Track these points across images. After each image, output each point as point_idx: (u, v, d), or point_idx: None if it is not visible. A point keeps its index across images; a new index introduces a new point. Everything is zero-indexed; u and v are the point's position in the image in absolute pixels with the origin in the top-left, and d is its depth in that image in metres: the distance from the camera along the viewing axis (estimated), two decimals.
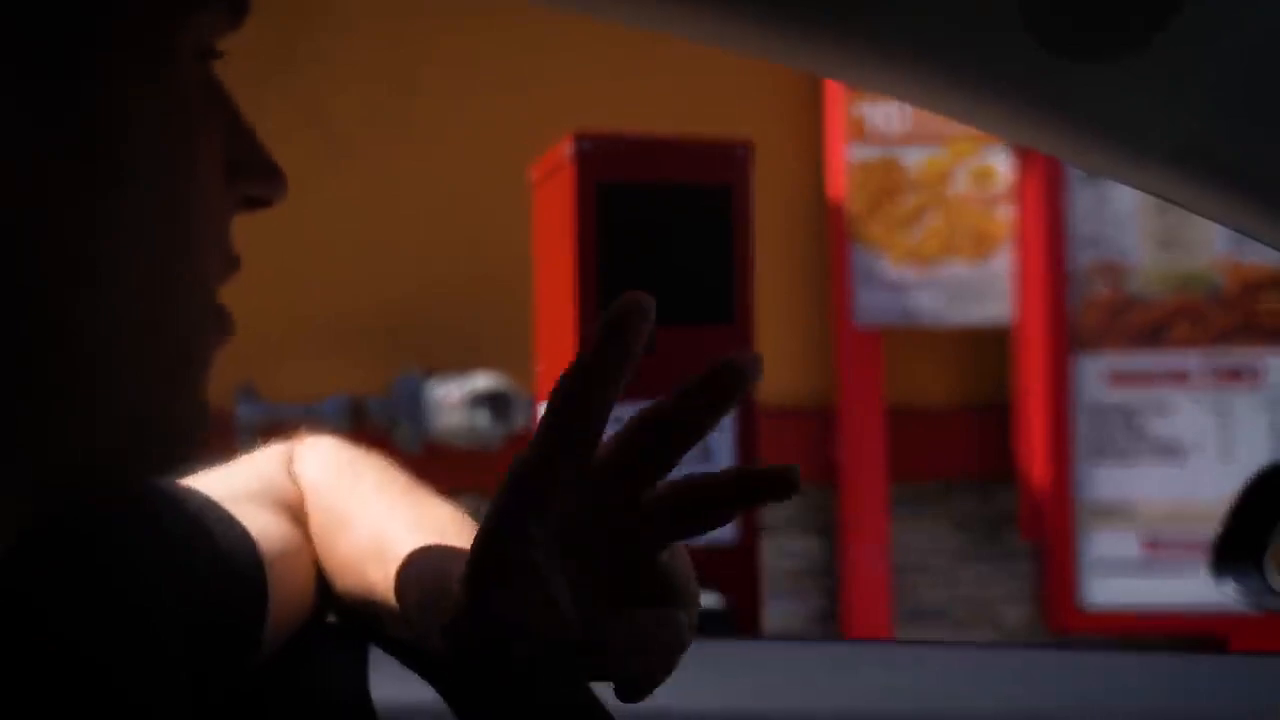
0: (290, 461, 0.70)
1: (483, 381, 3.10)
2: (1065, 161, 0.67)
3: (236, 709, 0.58)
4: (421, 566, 0.56)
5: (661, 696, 0.60)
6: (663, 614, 0.46)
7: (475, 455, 3.11)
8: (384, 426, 3.23)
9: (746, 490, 0.48)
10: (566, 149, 2.01)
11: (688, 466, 1.73)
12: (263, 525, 0.61)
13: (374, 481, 0.67)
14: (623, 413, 1.85)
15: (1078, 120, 0.56)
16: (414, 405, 3.18)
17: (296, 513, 0.66)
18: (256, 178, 0.43)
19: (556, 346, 2.13)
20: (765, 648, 0.75)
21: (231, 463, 0.67)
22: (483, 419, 3.05)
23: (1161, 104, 0.54)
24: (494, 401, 3.06)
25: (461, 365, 3.22)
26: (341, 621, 0.66)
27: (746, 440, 2.07)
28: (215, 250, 0.41)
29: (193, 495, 0.58)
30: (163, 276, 0.38)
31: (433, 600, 0.52)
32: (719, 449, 2.06)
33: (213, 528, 0.56)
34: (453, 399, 3.09)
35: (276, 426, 3.22)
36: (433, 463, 3.21)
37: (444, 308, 3.35)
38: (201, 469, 0.59)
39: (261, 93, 3.05)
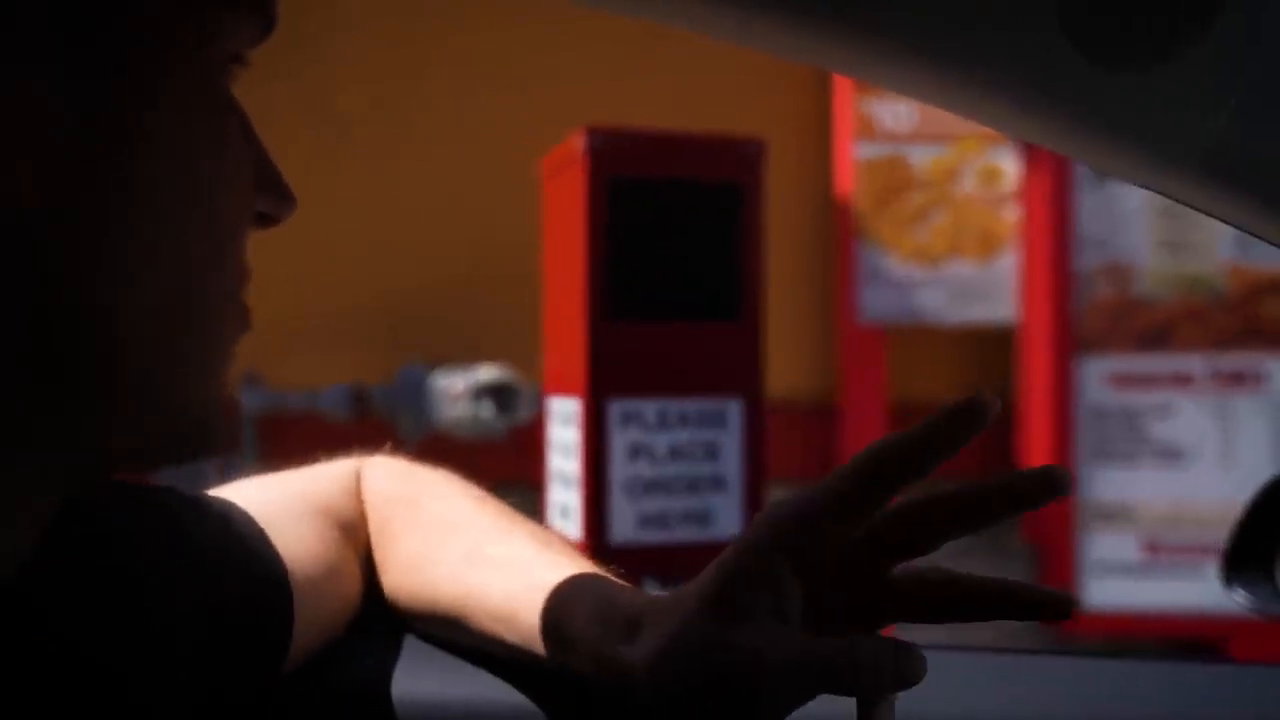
0: (357, 476, 0.69)
1: (487, 373, 3.09)
2: (1094, 169, 0.67)
3: (262, 706, 0.58)
4: (581, 586, 0.57)
5: None
6: (901, 643, 0.46)
7: (478, 447, 3.11)
8: (386, 416, 3.22)
9: (1014, 608, 0.50)
10: (578, 143, 2.01)
11: (692, 463, 1.72)
12: (300, 539, 0.61)
13: (459, 495, 0.67)
14: (635, 408, 1.84)
15: (1108, 126, 0.55)
16: (417, 395, 3.17)
17: (350, 527, 0.66)
18: (271, 194, 0.43)
19: (564, 340, 2.12)
20: None
21: (290, 471, 0.67)
22: (487, 410, 3.05)
23: (1193, 111, 0.53)
24: (498, 393, 3.06)
25: (465, 358, 3.22)
26: (416, 630, 0.66)
27: (753, 438, 2.07)
28: (240, 256, 0.42)
29: (222, 505, 0.58)
30: (196, 274, 0.39)
31: (616, 620, 0.53)
32: (726, 445, 2.06)
33: (239, 539, 0.57)
34: (457, 390, 3.09)
35: (280, 414, 3.23)
36: (434, 454, 3.20)
37: (448, 301, 3.35)
38: (227, 463, 0.60)
39: (268, 87, 3.04)
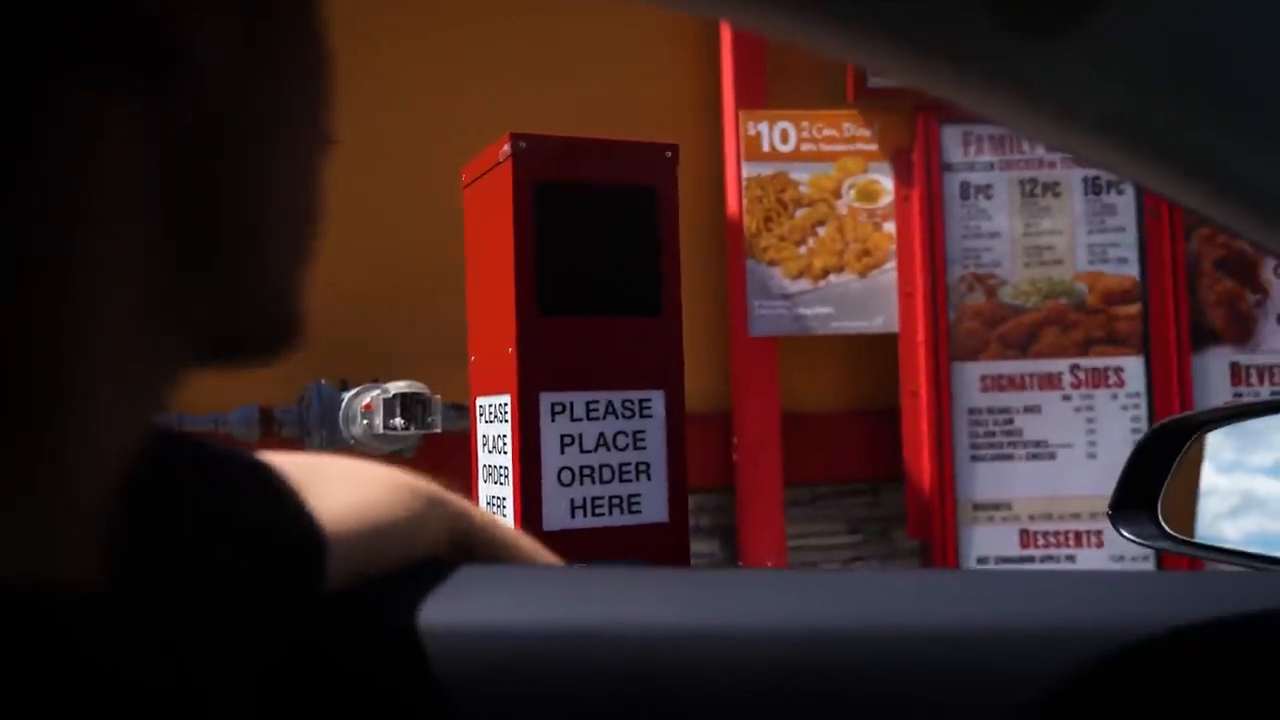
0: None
1: (396, 385, 3.12)
2: (1008, 128, 0.76)
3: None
4: None
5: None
6: None
7: (390, 461, 3.12)
8: (295, 436, 3.22)
9: None
10: (504, 149, 2.10)
11: (620, 452, 1.80)
12: (354, 492, 0.63)
13: None
14: (565, 400, 1.94)
15: (1022, 91, 0.64)
16: (326, 412, 3.18)
17: (428, 494, 0.70)
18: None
19: (491, 340, 2.20)
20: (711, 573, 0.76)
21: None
22: (397, 423, 3.07)
23: (1092, 77, 0.63)
24: (408, 405, 3.09)
25: (372, 377, 3.23)
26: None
27: (675, 427, 2.18)
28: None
29: (250, 458, 0.58)
30: (313, 182, 0.43)
31: None
32: (651, 434, 2.16)
33: (266, 487, 0.57)
34: (366, 403, 3.11)
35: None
36: None
37: (358, 322, 3.37)
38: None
39: None
